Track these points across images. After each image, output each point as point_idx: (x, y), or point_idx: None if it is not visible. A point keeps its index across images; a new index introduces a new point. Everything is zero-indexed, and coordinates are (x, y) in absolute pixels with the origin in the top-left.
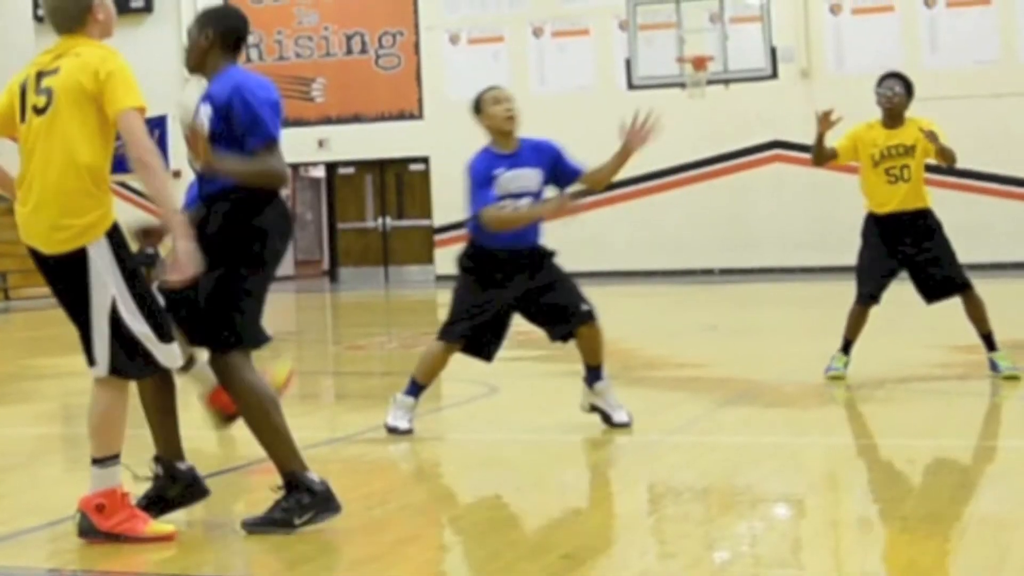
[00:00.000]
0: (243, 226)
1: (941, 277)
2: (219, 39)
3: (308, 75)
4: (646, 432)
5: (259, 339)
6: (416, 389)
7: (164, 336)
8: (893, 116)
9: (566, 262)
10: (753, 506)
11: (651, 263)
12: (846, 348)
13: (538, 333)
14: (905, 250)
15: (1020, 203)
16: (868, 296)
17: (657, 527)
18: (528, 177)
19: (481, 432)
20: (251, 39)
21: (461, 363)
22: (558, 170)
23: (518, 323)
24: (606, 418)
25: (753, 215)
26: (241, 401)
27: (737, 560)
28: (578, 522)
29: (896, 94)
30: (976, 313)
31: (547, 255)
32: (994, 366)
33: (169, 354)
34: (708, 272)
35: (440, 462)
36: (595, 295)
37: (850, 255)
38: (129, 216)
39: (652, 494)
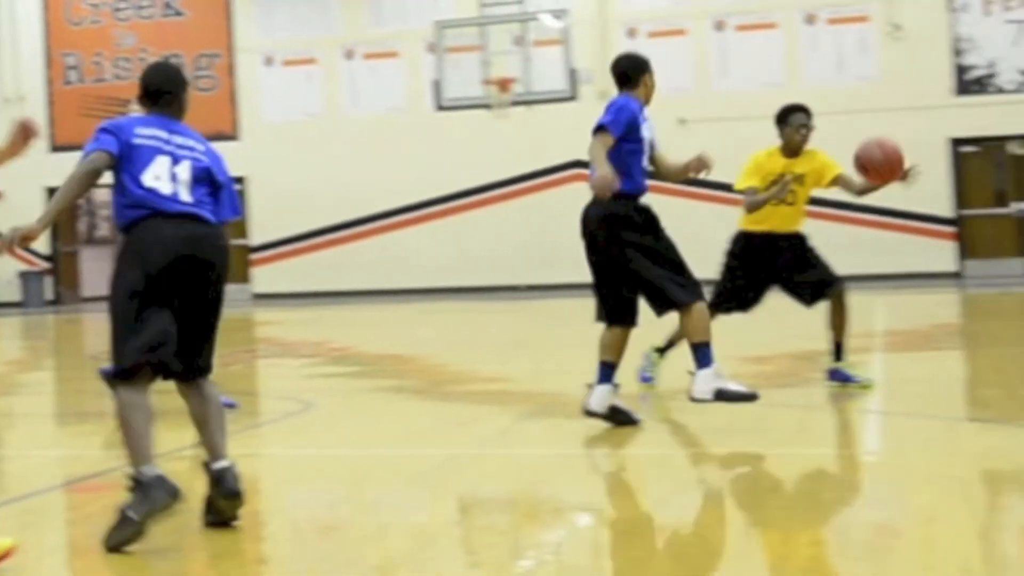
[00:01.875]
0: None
1: (815, 279)
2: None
3: (126, 96)
4: (454, 445)
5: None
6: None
7: None
8: (797, 150)
9: (376, 281)
10: (556, 515)
11: (459, 280)
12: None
13: (353, 349)
14: (774, 266)
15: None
16: (725, 309)
17: (465, 537)
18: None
19: (296, 448)
20: (70, 61)
21: (277, 379)
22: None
23: (332, 339)
24: (626, 419)
25: (556, 232)
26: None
27: (541, 568)
28: (389, 534)
29: (811, 130)
30: (838, 320)
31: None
32: (837, 375)
33: None
34: (514, 288)
35: (257, 478)
36: (405, 312)
37: None
38: None
39: (460, 505)
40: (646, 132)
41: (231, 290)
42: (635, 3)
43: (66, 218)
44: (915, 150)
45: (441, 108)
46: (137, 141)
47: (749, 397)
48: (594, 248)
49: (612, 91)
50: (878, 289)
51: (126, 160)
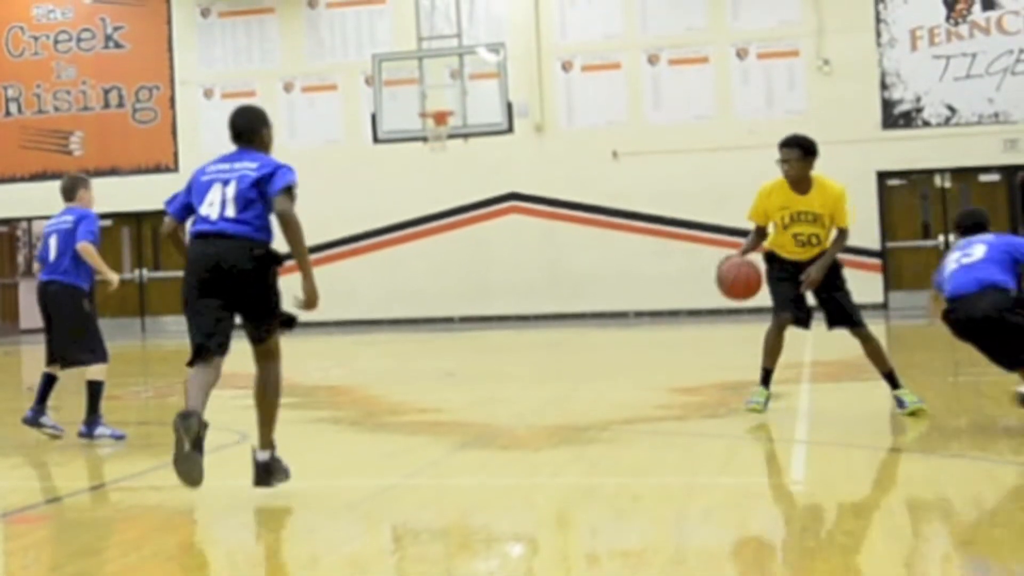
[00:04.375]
0: None
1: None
2: None
3: (66, 128)
4: (387, 475)
5: None
6: None
7: None
8: (794, 183)
9: (311, 313)
10: (488, 545)
11: (394, 312)
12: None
13: (289, 380)
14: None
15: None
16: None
17: (398, 567)
18: None
19: (231, 479)
20: (10, 92)
21: (212, 410)
22: None
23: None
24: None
25: (491, 264)
26: None
27: None
28: (322, 565)
29: (789, 163)
30: (877, 354)
31: None
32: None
33: None
34: (449, 320)
35: (192, 509)
36: (341, 344)
37: (580, 302)
38: None
39: (393, 535)
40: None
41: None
42: (570, 37)
43: (6, 250)
44: (843, 183)
45: (378, 140)
46: (204, 178)
47: None
48: None
49: (550, 123)
50: None
51: (194, 195)
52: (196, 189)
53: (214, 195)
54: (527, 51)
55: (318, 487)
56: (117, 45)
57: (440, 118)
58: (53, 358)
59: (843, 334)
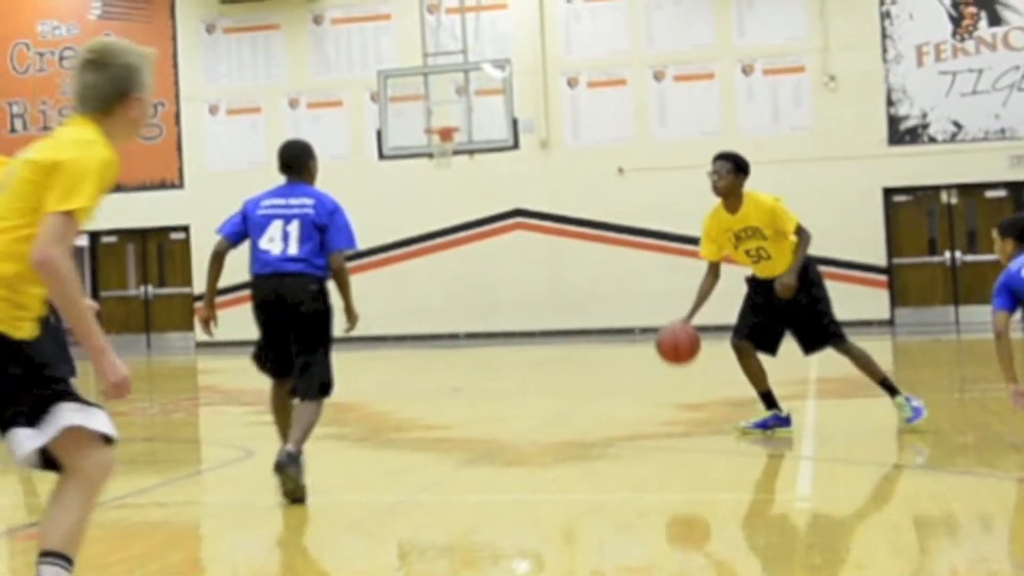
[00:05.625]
0: None
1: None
2: None
3: None
4: (393, 492)
5: None
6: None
7: None
8: (724, 196)
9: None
10: (494, 561)
11: (400, 329)
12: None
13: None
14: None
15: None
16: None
17: None
18: None
19: (237, 495)
20: (15, 109)
21: (219, 427)
22: None
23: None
24: None
25: (496, 281)
26: None
27: None
28: None
29: (719, 175)
30: (862, 365)
31: None
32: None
33: None
34: (454, 337)
35: (198, 525)
36: (347, 361)
37: (585, 319)
38: None
39: (399, 552)
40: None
41: (172, 338)
42: (576, 53)
43: None
44: (849, 199)
45: (384, 157)
46: (260, 212)
47: None
48: None
49: (555, 139)
50: None
51: (252, 228)
52: (254, 222)
53: (275, 231)
54: (533, 67)
55: (324, 503)
56: None
57: (445, 134)
58: None
59: None
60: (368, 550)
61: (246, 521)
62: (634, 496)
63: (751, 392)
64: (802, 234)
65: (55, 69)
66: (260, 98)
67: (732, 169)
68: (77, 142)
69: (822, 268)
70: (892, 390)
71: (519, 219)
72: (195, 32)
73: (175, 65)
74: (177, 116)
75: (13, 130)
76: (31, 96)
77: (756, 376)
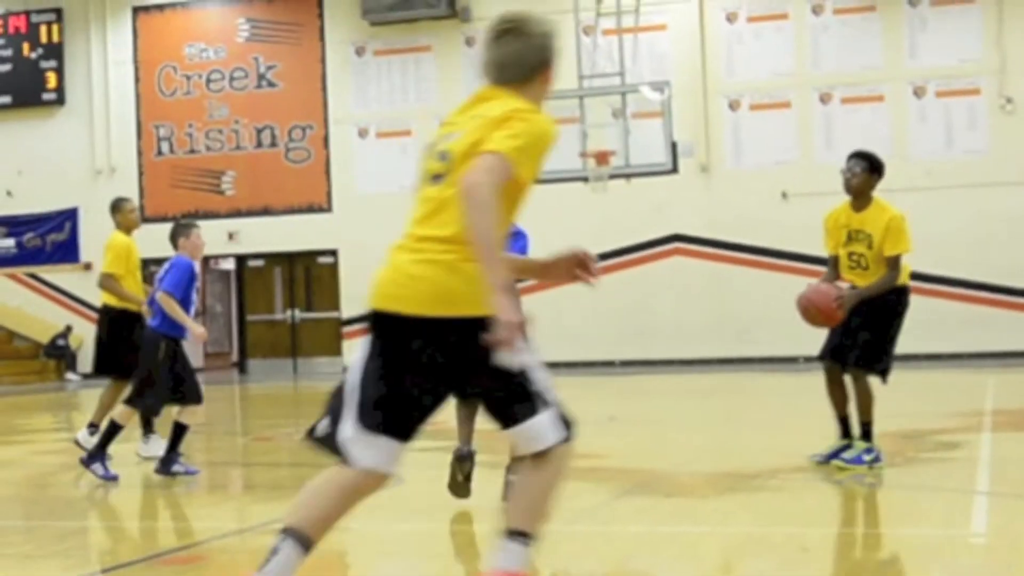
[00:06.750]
0: None
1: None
2: None
3: (218, 168)
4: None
5: None
6: None
7: None
8: (854, 195)
9: None
10: None
11: (554, 355)
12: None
13: (447, 424)
14: None
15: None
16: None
17: None
18: None
19: (385, 522)
20: (162, 132)
21: None
22: None
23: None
24: None
25: (653, 307)
26: None
27: None
28: None
29: (854, 174)
30: (858, 399)
31: None
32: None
33: None
34: (609, 364)
35: (345, 551)
36: None
37: (745, 347)
38: None
39: None
40: None
41: (319, 363)
42: (737, 75)
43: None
44: None
45: (538, 180)
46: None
47: None
48: None
49: (716, 163)
50: (988, 367)
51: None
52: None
53: None
54: (692, 89)
55: (473, 532)
56: (270, 84)
57: (602, 158)
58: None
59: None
60: None
61: (394, 549)
62: (798, 530)
63: (923, 424)
64: (892, 270)
65: (202, 92)
66: (411, 121)
67: (867, 168)
68: (518, 108)
69: (999, 296)
70: (845, 431)
71: (678, 244)
72: (344, 55)
73: (324, 88)
74: (326, 139)
75: (160, 153)
76: (178, 119)
77: (835, 399)
